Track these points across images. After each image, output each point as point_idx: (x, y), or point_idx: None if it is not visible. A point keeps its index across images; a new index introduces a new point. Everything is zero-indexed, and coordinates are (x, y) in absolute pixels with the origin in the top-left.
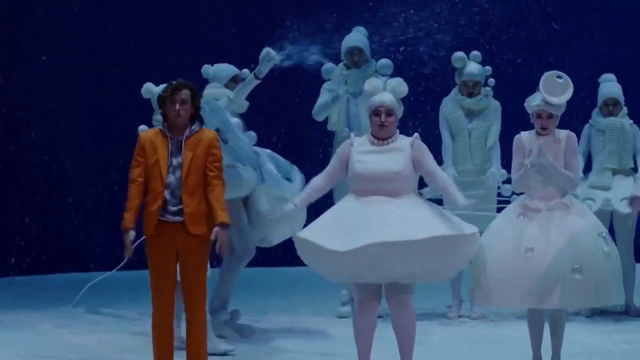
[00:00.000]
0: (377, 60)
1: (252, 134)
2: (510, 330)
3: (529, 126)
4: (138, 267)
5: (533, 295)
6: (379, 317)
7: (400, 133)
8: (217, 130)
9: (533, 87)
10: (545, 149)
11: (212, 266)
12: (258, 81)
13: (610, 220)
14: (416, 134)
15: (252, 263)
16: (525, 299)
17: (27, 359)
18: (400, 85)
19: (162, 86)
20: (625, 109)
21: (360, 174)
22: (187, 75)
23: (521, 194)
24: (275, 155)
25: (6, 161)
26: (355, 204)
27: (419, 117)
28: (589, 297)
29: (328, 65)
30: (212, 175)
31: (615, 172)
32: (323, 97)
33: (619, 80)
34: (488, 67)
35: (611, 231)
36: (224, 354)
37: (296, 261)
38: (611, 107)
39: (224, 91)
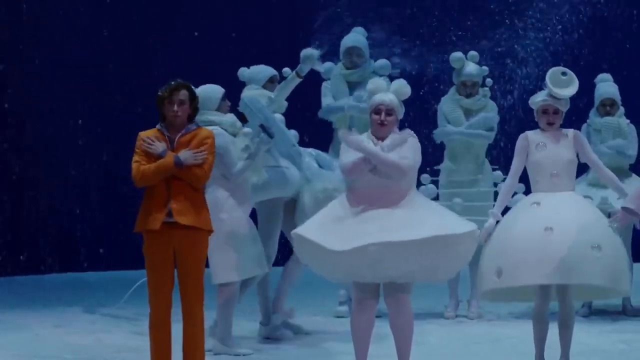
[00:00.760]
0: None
1: (294, 132)
2: (507, 330)
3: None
4: (135, 266)
5: (557, 271)
6: (377, 316)
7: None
8: (262, 125)
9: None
10: (553, 143)
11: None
12: (299, 79)
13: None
14: (410, 131)
15: None
16: (550, 276)
17: (25, 358)
18: (403, 87)
19: (205, 87)
20: (622, 109)
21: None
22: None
23: (515, 194)
24: (318, 152)
25: (2, 161)
26: (353, 203)
27: None
28: (607, 276)
29: (327, 64)
30: (195, 170)
31: (612, 171)
32: (327, 97)
33: (615, 80)
34: (485, 67)
35: None
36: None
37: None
38: (608, 107)
39: (264, 92)
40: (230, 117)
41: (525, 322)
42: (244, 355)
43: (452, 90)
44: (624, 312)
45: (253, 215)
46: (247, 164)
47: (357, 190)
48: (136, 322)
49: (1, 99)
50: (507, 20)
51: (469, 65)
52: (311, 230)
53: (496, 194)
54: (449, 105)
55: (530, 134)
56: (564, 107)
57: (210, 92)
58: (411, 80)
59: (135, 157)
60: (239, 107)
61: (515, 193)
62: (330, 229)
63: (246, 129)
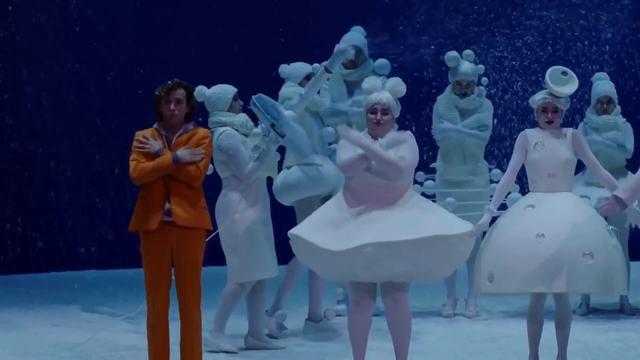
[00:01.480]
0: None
1: (330, 130)
2: (504, 329)
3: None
4: (132, 265)
5: (548, 279)
6: (375, 315)
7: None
8: (272, 125)
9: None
10: (552, 142)
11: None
12: (328, 74)
13: (604, 218)
14: (409, 132)
15: None
16: (538, 284)
17: (21, 357)
18: (398, 85)
19: (216, 87)
20: (618, 107)
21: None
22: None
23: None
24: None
25: None
26: (350, 202)
27: None
28: (599, 283)
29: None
30: (190, 169)
31: (609, 171)
32: (325, 99)
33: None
34: (481, 66)
35: None
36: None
37: (290, 259)
38: (605, 105)
39: (296, 89)
40: (242, 117)
41: (522, 321)
42: (227, 352)
43: (448, 89)
44: (622, 310)
45: (281, 214)
46: (258, 165)
47: (354, 189)
48: (133, 320)
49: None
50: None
51: (464, 64)
52: (307, 229)
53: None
54: (444, 105)
55: (529, 132)
56: (564, 106)
57: (222, 92)
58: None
59: (133, 156)
60: (249, 106)
61: (509, 192)
62: (327, 228)
63: (256, 130)
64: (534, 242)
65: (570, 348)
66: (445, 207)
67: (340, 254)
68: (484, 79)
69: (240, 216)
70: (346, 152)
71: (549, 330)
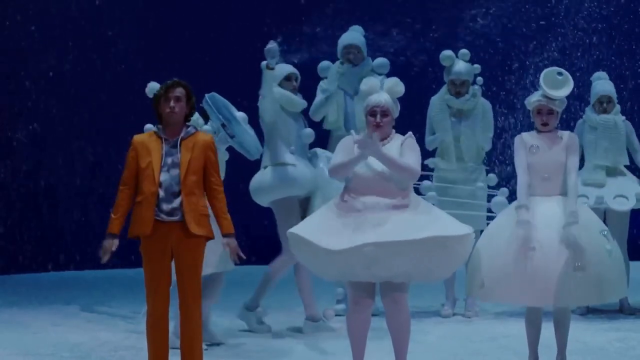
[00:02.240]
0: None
1: (308, 131)
2: (504, 328)
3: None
4: (132, 265)
5: (535, 294)
6: (374, 315)
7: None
8: (223, 125)
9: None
10: (547, 146)
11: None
12: (270, 70)
13: (603, 218)
14: (409, 133)
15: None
16: (528, 297)
17: (21, 356)
18: (396, 85)
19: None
20: (618, 107)
21: (356, 175)
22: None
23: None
24: (331, 155)
25: None
26: (350, 203)
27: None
28: (592, 295)
29: (324, 63)
30: (214, 181)
31: (608, 170)
32: (318, 96)
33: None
34: (477, 65)
35: None
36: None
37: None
38: (605, 104)
39: (277, 90)
40: (194, 115)
41: (522, 320)
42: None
43: (443, 89)
44: (621, 310)
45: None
46: None
47: (354, 190)
48: (133, 320)
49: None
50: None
51: (459, 63)
52: (307, 229)
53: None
54: (436, 105)
55: (525, 136)
56: (559, 108)
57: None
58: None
59: (126, 166)
60: (201, 104)
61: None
62: (327, 228)
63: (206, 127)
64: (525, 255)
65: (570, 348)
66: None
67: (340, 253)
68: (479, 79)
69: None
70: (337, 156)
71: (548, 330)
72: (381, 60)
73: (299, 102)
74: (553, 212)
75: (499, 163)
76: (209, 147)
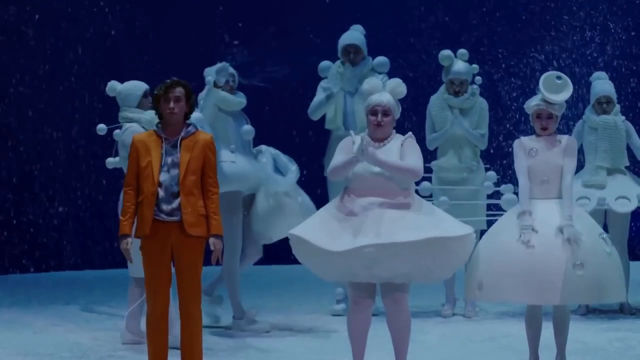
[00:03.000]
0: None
1: (248, 127)
2: (503, 328)
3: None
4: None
5: (535, 291)
6: (374, 315)
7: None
8: None
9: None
10: (546, 149)
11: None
12: (217, 88)
13: (604, 220)
14: (409, 133)
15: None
16: (528, 296)
17: (21, 356)
18: (398, 86)
19: (128, 83)
20: (617, 107)
21: (357, 175)
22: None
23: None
24: (277, 152)
25: None
26: (350, 204)
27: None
28: (591, 294)
29: (324, 63)
30: (210, 182)
31: (608, 171)
32: (318, 95)
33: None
34: (475, 66)
35: (605, 230)
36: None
37: (290, 259)
38: (605, 104)
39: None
40: (149, 114)
41: (521, 320)
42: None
43: (442, 88)
44: (621, 310)
45: None
46: None
47: (354, 191)
48: None
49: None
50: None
51: (458, 63)
52: (307, 230)
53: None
54: (437, 105)
55: (524, 140)
56: (558, 112)
57: (132, 88)
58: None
59: (128, 167)
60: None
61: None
62: (327, 229)
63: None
64: (524, 253)
65: (570, 348)
66: (439, 207)
67: (340, 254)
68: (478, 78)
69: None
70: (337, 157)
71: (548, 330)
72: (381, 59)
73: (236, 101)
74: (552, 214)
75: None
76: (209, 147)
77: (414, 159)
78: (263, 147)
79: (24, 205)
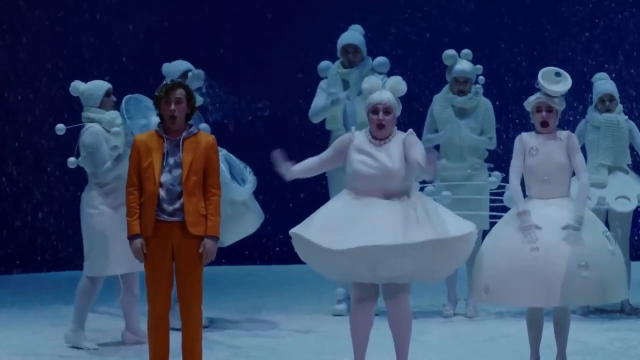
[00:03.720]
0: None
1: (203, 126)
2: (504, 328)
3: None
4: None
5: (542, 294)
6: (375, 315)
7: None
8: (132, 132)
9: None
10: (546, 147)
11: None
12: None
13: (605, 219)
14: (410, 130)
15: (246, 260)
16: (535, 299)
17: (21, 356)
18: (399, 84)
19: (90, 83)
20: (620, 106)
21: (358, 174)
22: None
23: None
24: (231, 155)
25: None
26: (352, 202)
27: None
28: (595, 294)
29: (324, 63)
30: (212, 183)
31: (610, 169)
32: (319, 97)
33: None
34: (479, 66)
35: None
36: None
37: (290, 259)
38: (607, 102)
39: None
40: (110, 115)
41: (522, 321)
42: (88, 349)
43: (445, 88)
44: (622, 310)
45: None
46: (113, 166)
47: (355, 189)
48: None
49: None
50: None
51: (462, 62)
52: (309, 228)
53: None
54: (440, 104)
55: (525, 136)
56: (559, 106)
57: (94, 88)
58: None
59: (129, 168)
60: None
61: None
62: (329, 227)
63: (115, 129)
64: (529, 255)
65: (570, 348)
66: (441, 201)
67: (342, 253)
68: (481, 78)
69: (97, 211)
70: (326, 151)
71: (549, 330)
72: (381, 60)
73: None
74: (555, 215)
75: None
76: (211, 148)
77: (422, 153)
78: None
79: (23, 205)
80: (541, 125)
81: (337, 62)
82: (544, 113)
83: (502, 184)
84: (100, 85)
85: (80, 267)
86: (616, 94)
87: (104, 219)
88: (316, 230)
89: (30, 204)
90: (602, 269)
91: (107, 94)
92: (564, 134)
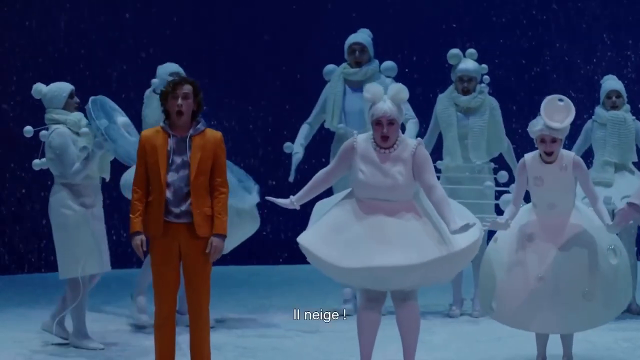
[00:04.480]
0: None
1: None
2: (510, 329)
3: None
4: (140, 265)
5: (548, 322)
6: (382, 314)
7: None
8: (102, 133)
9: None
10: (551, 176)
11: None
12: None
13: (611, 218)
14: (419, 140)
15: (252, 260)
16: (541, 326)
17: (29, 355)
18: (400, 92)
19: (53, 85)
20: (627, 105)
21: (363, 184)
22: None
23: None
24: (230, 164)
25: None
26: (357, 213)
27: None
28: (602, 317)
29: (329, 66)
30: (220, 182)
31: (616, 167)
32: (318, 105)
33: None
34: (484, 65)
35: None
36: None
37: (296, 259)
38: (614, 98)
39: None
40: (75, 116)
41: None
42: (94, 349)
43: (450, 88)
44: (629, 310)
45: None
46: (81, 167)
47: (360, 201)
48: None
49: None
50: None
51: (466, 61)
52: (315, 240)
53: (497, 196)
54: (443, 103)
55: (528, 162)
56: (562, 135)
57: (57, 90)
58: None
59: (137, 164)
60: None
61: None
62: (335, 240)
63: (84, 129)
64: (535, 285)
65: (576, 347)
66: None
67: (350, 270)
68: (486, 77)
69: (71, 211)
70: (332, 164)
71: None
72: (389, 64)
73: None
74: (561, 231)
75: None
76: (219, 146)
77: (432, 175)
78: None
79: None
80: (546, 154)
81: (344, 64)
82: (548, 144)
83: (504, 189)
84: (64, 87)
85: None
86: (623, 91)
87: (78, 218)
88: (324, 243)
89: (35, 203)
90: (606, 292)
91: (71, 95)
92: (569, 160)
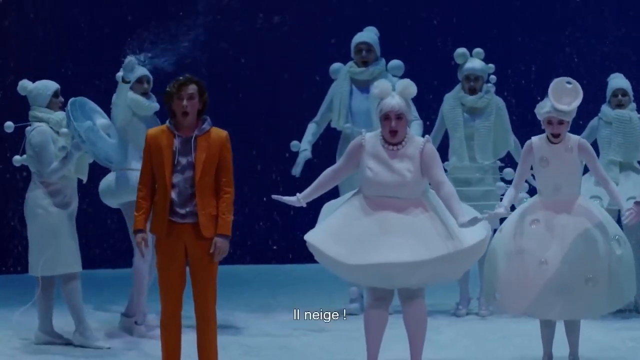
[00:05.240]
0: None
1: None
2: (517, 327)
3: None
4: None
5: (552, 308)
6: (389, 313)
7: None
8: (79, 135)
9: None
10: (557, 157)
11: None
12: (126, 84)
13: (617, 218)
14: (427, 137)
15: (257, 260)
16: (545, 312)
17: (32, 354)
18: (408, 87)
19: (39, 82)
20: (633, 104)
21: (371, 181)
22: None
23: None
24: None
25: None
26: (368, 211)
27: None
28: (604, 305)
29: (335, 65)
30: (225, 182)
31: (622, 166)
32: (324, 103)
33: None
34: (491, 65)
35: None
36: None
37: (301, 258)
38: (620, 96)
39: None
40: (58, 115)
41: (535, 320)
42: (100, 348)
43: (457, 87)
44: (636, 309)
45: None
46: (59, 166)
47: (368, 198)
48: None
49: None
50: None
51: (473, 60)
52: (324, 237)
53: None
54: (449, 103)
55: (535, 144)
56: (569, 117)
57: (42, 88)
58: None
59: (142, 163)
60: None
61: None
62: (343, 237)
63: (64, 130)
64: (538, 269)
65: (583, 347)
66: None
67: (357, 267)
68: (492, 77)
69: (44, 211)
70: (340, 160)
71: (560, 328)
72: (396, 62)
73: (149, 105)
74: (565, 218)
75: None
76: (224, 146)
77: (441, 171)
78: None
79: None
80: (553, 136)
81: (350, 62)
82: (555, 126)
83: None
84: (49, 85)
85: (92, 266)
86: (630, 90)
87: (52, 218)
88: (332, 240)
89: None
90: (609, 279)
91: (56, 94)
92: (574, 142)
